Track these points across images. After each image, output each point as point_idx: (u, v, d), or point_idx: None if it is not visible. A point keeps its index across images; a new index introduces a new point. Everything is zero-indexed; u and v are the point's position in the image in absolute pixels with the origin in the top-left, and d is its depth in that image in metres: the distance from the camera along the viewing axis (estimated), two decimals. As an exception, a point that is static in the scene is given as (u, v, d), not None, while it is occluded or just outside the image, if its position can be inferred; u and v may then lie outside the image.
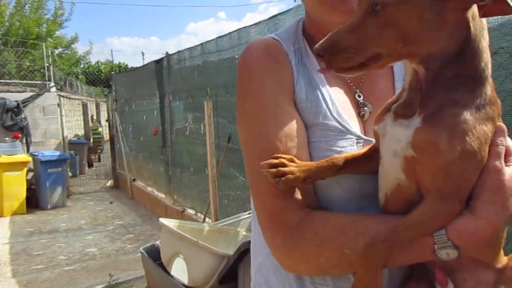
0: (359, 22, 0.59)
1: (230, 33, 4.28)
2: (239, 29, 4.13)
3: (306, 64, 0.81)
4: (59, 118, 8.43)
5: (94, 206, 7.89)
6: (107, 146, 13.73)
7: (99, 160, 13.25)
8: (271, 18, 3.64)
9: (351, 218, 0.69)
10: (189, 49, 5.41)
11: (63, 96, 9.32)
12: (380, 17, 0.58)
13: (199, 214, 5.36)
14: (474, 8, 0.58)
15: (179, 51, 5.77)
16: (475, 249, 0.62)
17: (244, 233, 2.90)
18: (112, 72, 10.29)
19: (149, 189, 7.56)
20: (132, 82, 8.42)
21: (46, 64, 9.30)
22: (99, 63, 26.99)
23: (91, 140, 13.42)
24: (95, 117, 15.73)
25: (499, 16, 2.03)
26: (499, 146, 0.62)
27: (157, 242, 2.68)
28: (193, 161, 5.75)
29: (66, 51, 17.41)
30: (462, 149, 0.57)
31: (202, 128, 5.23)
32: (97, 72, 23.93)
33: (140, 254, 4.99)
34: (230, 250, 2.33)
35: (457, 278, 0.67)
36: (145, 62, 8.22)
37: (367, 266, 0.62)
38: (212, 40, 4.76)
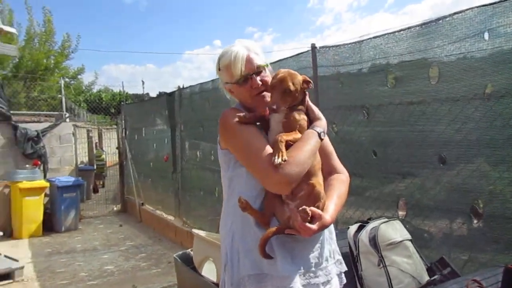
0: (280, 96, 1.50)
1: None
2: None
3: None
4: (73, 146, 8.97)
5: (105, 228, 8.35)
6: (109, 173, 14.21)
7: (103, 186, 13.69)
8: (275, 62, 4.28)
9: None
10: (201, 84, 6.05)
11: (77, 126, 9.88)
12: (287, 94, 1.50)
13: (208, 234, 5.86)
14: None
15: (190, 86, 6.41)
16: None
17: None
18: (122, 103, 10.88)
19: (158, 212, 8.04)
20: (142, 112, 9.02)
21: (59, 95, 9.89)
22: (100, 92, 27.74)
23: (95, 166, 13.90)
24: (98, 144, 16.27)
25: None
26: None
27: (188, 250, 3.20)
28: (202, 186, 6.28)
29: (72, 82, 18.09)
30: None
31: (212, 155, 5.81)
32: (98, 100, 24.61)
33: (155, 271, 5.51)
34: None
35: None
36: (145, 90, 8.86)
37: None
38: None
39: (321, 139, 1.52)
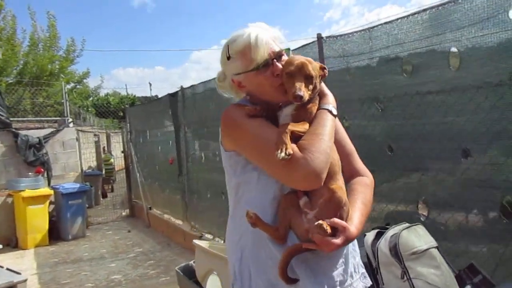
0: (304, 84, 1.26)
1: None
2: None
3: None
4: (77, 152, 8.79)
5: (113, 235, 8.16)
6: (119, 177, 14.06)
7: (112, 191, 13.56)
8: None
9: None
10: (203, 82, 5.80)
11: (80, 131, 9.71)
12: (309, 82, 1.27)
13: (217, 239, 5.62)
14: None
15: (192, 85, 6.15)
16: None
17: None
18: (126, 105, 10.70)
19: (166, 216, 7.83)
20: (146, 114, 8.81)
21: (63, 100, 9.72)
22: (108, 95, 27.68)
23: (103, 171, 13.77)
24: (106, 149, 16.15)
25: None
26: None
27: (191, 262, 2.96)
28: (209, 188, 6.05)
29: (78, 86, 17.96)
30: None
31: (217, 156, 5.56)
32: (106, 104, 24.56)
33: (163, 279, 5.28)
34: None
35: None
36: (153, 92, 8.63)
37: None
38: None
39: (334, 116, 1.34)
